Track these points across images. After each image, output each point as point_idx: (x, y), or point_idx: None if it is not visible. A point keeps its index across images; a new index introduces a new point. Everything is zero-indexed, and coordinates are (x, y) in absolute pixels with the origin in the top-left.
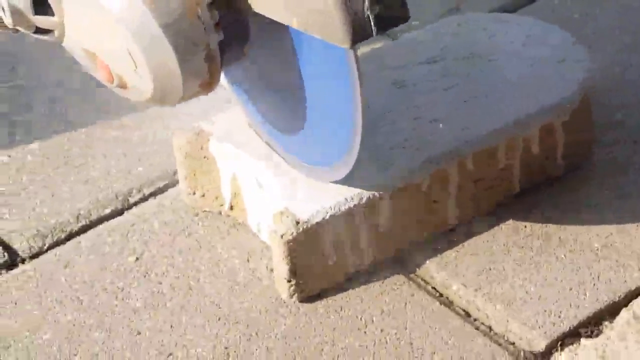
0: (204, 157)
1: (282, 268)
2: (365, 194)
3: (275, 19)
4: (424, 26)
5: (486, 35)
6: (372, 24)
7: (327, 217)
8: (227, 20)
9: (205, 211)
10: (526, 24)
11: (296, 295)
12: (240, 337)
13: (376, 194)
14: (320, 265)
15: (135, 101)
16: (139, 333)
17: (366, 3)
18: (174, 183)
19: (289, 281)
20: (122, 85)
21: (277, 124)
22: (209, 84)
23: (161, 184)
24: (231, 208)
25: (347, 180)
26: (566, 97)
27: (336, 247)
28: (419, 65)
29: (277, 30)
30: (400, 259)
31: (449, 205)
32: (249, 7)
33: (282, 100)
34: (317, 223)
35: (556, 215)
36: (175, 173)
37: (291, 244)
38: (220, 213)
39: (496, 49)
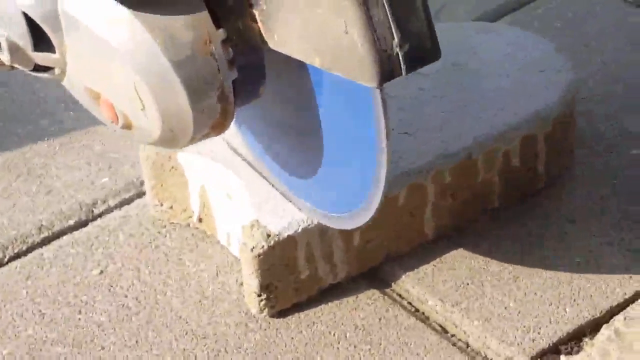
0: (172, 168)
1: (252, 282)
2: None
3: (295, 57)
4: None
5: (467, 45)
6: (402, 62)
7: (300, 230)
8: (242, 58)
9: (173, 223)
10: (507, 33)
11: (267, 310)
12: (208, 352)
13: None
14: (292, 280)
15: (142, 142)
16: (103, 348)
17: (395, 40)
18: (140, 194)
19: (259, 295)
20: (128, 126)
21: (288, 167)
22: (221, 125)
23: (127, 195)
24: (200, 220)
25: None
26: (548, 107)
27: (309, 261)
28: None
29: (294, 68)
30: (375, 273)
31: (426, 219)
32: (266, 43)
33: (294, 141)
34: (289, 236)
35: (537, 229)
36: (142, 184)
37: (262, 257)
38: (188, 225)
39: (477, 59)
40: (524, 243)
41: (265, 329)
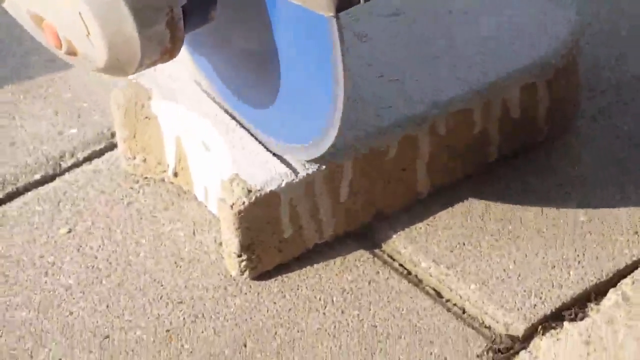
0: (145, 118)
1: (231, 242)
2: (325, 160)
3: None
4: None
5: None
6: None
7: (283, 184)
8: None
9: (146, 178)
10: None
11: (247, 271)
12: (184, 318)
13: (337, 160)
14: (275, 239)
15: (87, 69)
16: (71, 313)
17: None
18: (111, 146)
19: (240, 256)
20: (72, 53)
21: (245, 97)
22: (170, 52)
23: (97, 147)
24: (175, 175)
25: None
26: (550, 54)
27: (293, 218)
28: (384, 18)
29: None
30: (364, 232)
31: (419, 174)
32: None
33: (252, 72)
34: (271, 192)
35: (538, 186)
36: (113, 135)
37: (242, 214)
38: (163, 180)
39: (472, 1)
40: (524, 200)
41: (245, 293)
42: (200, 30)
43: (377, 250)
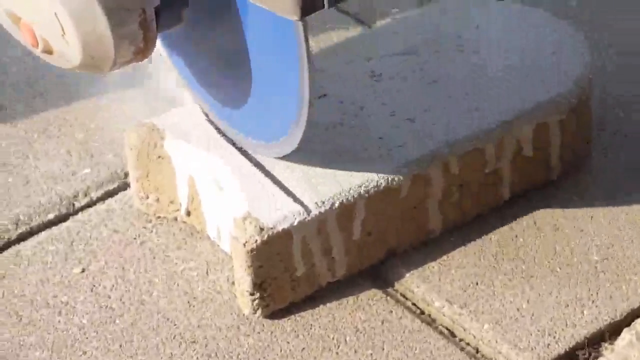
0: (158, 157)
1: (244, 280)
2: (338, 198)
3: None
4: (404, 13)
5: (472, 24)
6: None
7: (295, 223)
8: None
9: (159, 217)
10: (517, 11)
11: (260, 310)
12: (197, 358)
13: (350, 198)
14: (288, 277)
15: (63, 68)
16: (85, 353)
17: None
18: (124, 186)
19: (252, 294)
20: (48, 51)
21: (219, 96)
22: (143, 52)
23: (110, 187)
24: (188, 214)
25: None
26: (563, 93)
27: (305, 256)
28: (397, 57)
29: None
30: (376, 271)
31: (431, 212)
32: None
33: (225, 71)
34: (283, 230)
35: (551, 224)
36: (126, 175)
37: (255, 252)
38: (175, 219)
39: (483, 39)
40: (538, 239)
41: (258, 332)
42: (175, 31)
43: (390, 289)
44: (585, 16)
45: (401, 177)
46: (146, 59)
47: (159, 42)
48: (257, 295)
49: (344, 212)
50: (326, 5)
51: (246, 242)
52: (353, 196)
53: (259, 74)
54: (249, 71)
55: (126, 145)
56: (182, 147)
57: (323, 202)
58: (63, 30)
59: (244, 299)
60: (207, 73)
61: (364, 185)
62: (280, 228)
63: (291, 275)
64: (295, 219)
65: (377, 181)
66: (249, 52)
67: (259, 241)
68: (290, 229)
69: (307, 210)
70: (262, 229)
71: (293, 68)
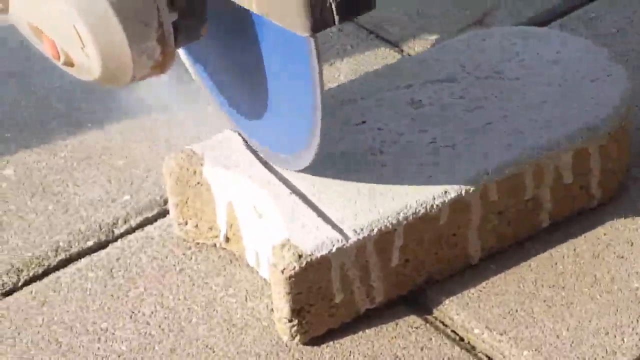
0: (197, 183)
1: (282, 307)
2: (377, 225)
3: (234, 0)
4: (444, 40)
5: (512, 51)
6: (335, 12)
7: (334, 250)
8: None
9: (198, 243)
10: (557, 39)
11: (299, 337)
12: None
13: (389, 225)
14: (326, 304)
15: (85, 80)
16: None
17: None
18: (163, 213)
19: (290, 321)
20: (69, 63)
21: (240, 107)
22: (161, 66)
23: (149, 214)
24: (227, 240)
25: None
26: (602, 119)
27: (344, 283)
28: (437, 84)
29: (237, 9)
30: (414, 298)
31: (470, 239)
32: None
33: (244, 83)
34: (322, 256)
35: (590, 252)
36: (165, 202)
37: (293, 279)
38: (215, 245)
39: (523, 66)
40: (578, 266)
41: (298, 359)
42: (195, 44)
43: (428, 316)
44: (625, 44)
45: (440, 204)
46: (164, 73)
47: (181, 52)
48: (296, 322)
49: (383, 239)
50: (336, 22)
51: (284, 269)
52: (392, 223)
53: (275, 87)
54: (265, 84)
55: (165, 172)
56: (221, 174)
57: (362, 229)
58: (82, 43)
59: (283, 326)
60: (227, 84)
61: (402, 212)
62: (318, 255)
63: (329, 302)
64: (334, 245)
65: (416, 208)
66: (265, 65)
67: (297, 268)
68: (329, 255)
69: (346, 237)
70: (300, 256)
71: (306, 83)
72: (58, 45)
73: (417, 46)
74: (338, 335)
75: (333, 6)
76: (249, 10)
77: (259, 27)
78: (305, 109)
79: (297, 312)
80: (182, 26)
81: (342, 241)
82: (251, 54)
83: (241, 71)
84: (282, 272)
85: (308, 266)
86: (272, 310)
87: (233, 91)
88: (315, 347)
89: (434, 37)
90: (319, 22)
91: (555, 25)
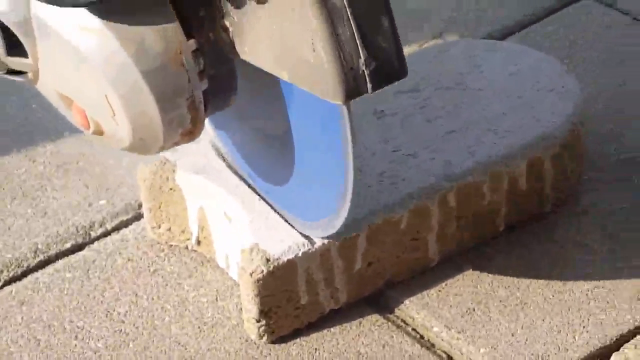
0: (170, 189)
1: (251, 308)
2: (340, 231)
3: (264, 69)
4: (405, 52)
5: (471, 64)
6: (368, 80)
7: (300, 254)
8: (212, 68)
9: (171, 246)
10: (514, 52)
11: (266, 336)
12: None
13: (352, 230)
14: (292, 305)
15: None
16: None
17: (362, 59)
18: (138, 216)
19: (259, 321)
20: (99, 132)
21: (262, 172)
22: (191, 134)
23: (125, 218)
24: (198, 242)
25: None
26: (555, 129)
27: (309, 286)
28: (399, 95)
29: (266, 78)
30: (376, 299)
31: (430, 243)
32: (237, 54)
33: (268, 148)
34: (288, 260)
35: (544, 254)
36: (139, 206)
37: (261, 282)
38: (187, 248)
39: (482, 78)
40: (532, 268)
41: (266, 356)
42: (227, 119)
43: (390, 316)
44: (578, 57)
45: (401, 211)
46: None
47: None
48: (263, 322)
49: (346, 244)
50: (369, 90)
51: (253, 272)
52: (355, 229)
53: (302, 157)
54: (292, 152)
55: (139, 178)
56: (193, 180)
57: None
58: (113, 112)
59: (251, 326)
60: (252, 151)
61: (365, 218)
62: (285, 259)
63: (296, 303)
64: (300, 250)
65: (378, 214)
66: (292, 134)
67: (265, 271)
68: (295, 259)
69: (311, 242)
70: (268, 260)
71: (336, 157)
72: (88, 115)
73: None
74: (304, 334)
75: (366, 74)
76: (277, 78)
77: (288, 95)
78: (335, 176)
79: (264, 313)
80: (212, 95)
81: (307, 246)
82: (278, 120)
83: (265, 137)
84: (251, 275)
85: (275, 269)
86: (241, 309)
87: (255, 156)
88: (283, 344)
89: None
90: (352, 90)
91: (513, 39)
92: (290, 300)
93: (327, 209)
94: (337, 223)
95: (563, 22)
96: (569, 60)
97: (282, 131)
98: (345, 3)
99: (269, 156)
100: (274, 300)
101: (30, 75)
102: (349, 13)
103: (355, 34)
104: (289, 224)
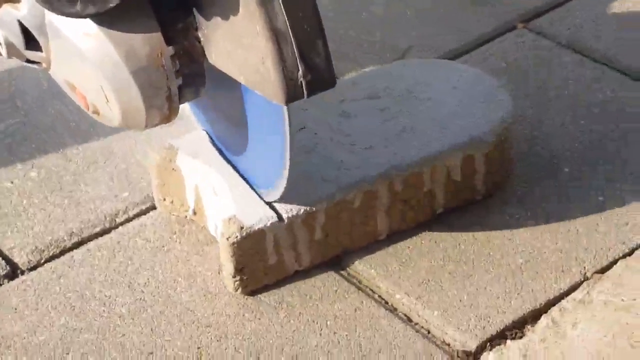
0: (173, 169)
1: (228, 265)
2: (303, 207)
3: (227, 73)
4: (369, 68)
5: (424, 77)
6: (304, 88)
7: (269, 224)
8: (186, 69)
9: (183, 226)
10: (460, 69)
11: (240, 289)
12: (212, 338)
13: (313, 207)
14: (262, 265)
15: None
16: (124, 335)
17: (300, 72)
18: (154, 206)
19: (234, 277)
20: (96, 112)
21: (227, 145)
22: (168, 118)
23: (144, 207)
24: (194, 213)
25: (289, 196)
26: (486, 132)
27: (276, 250)
28: (363, 100)
29: (230, 77)
30: (335, 263)
31: (379, 220)
32: (206, 59)
33: (233, 130)
34: (259, 229)
35: (483, 234)
36: None
37: (235, 245)
38: (186, 217)
39: (431, 89)
40: (475, 245)
41: (259, 319)
42: (197, 100)
43: (360, 285)
44: (510, 75)
45: (355, 192)
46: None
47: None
48: (238, 278)
49: (308, 217)
50: (306, 96)
51: (229, 237)
52: (315, 205)
53: (254, 137)
54: (246, 133)
55: (151, 162)
56: (190, 163)
57: (292, 210)
58: (107, 99)
59: (228, 280)
60: (219, 128)
61: (325, 197)
62: (256, 227)
63: (264, 264)
64: (269, 221)
65: (335, 194)
66: (248, 120)
67: (239, 237)
68: (265, 229)
69: (279, 215)
70: (242, 228)
71: (279, 139)
72: (88, 99)
73: (348, 73)
74: (291, 299)
75: (303, 84)
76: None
77: (245, 93)
78: (276, 159)
79: (238, 270)
80: (186, 88)
81: (275, 218)
82: (238, 108)
83: (229, 119)
84: (227, 239)
85: (247, 236)
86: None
87: (222, 133)
88: (273, 310)
89: (368, 70)
90: (292, 95)
91: (461, 60)
92: (260, 260)
93: (275, 178)
94: (277, 193)
95: (501, 46)
96: (504, 77)
97: (241, 118)
98: (289, 28)
99: (234, 136)
100: (246, 260)
101: (44, 65)
102: (291, 36)
103: (296, 53)
104: (261, 198)
